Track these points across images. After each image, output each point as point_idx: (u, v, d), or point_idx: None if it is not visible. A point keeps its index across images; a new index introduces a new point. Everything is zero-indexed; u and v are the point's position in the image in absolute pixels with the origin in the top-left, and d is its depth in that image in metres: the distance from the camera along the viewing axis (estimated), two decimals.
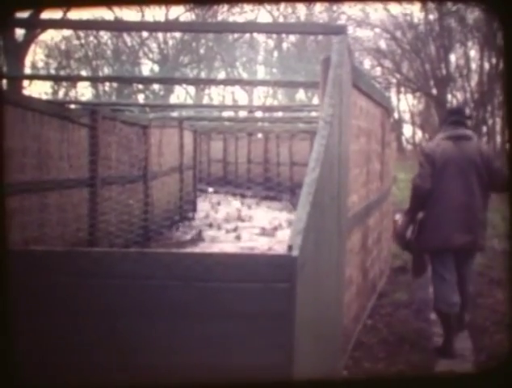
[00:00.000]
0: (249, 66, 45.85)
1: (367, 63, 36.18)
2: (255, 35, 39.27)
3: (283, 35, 40.92)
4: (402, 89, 37.08)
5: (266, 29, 11.32)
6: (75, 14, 28.54)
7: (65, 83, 38.95)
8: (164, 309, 3.57)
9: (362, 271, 7.52)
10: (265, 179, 24.82)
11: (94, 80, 37.18)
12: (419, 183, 6.75)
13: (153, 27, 12.81)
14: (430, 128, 34.04)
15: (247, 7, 38.69)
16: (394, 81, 34.66)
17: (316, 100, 30.91)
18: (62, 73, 38.32)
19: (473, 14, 28.60)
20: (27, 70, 32.83)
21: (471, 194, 6.69)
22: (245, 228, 16.24)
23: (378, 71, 34.97)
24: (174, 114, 20.25)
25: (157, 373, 3.53)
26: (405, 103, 39.87)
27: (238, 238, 14.71)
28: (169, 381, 3.49)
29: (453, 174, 6.69)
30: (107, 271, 3.62)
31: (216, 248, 13.20)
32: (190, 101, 42.19)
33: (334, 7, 38.88)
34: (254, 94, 46.04)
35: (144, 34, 38.45)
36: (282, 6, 40.46)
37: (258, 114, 22.60)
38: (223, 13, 37.85)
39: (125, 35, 38.50)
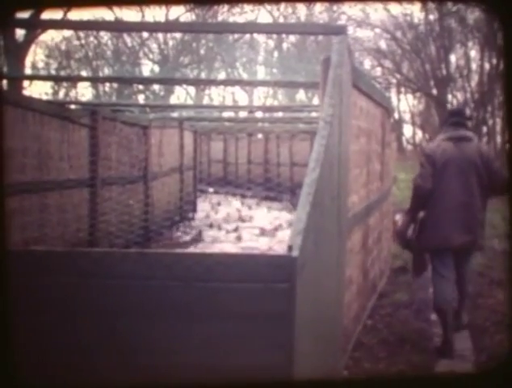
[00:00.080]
0: (249, 67, 45.85)
1: (367, 63, 36.20)
2: (255, 35, 39.27)
3: (284, 36, 40.93)
4: (402, 89, 37.09)
5: (267, 29, 11.32)
6: (75, 15, 28.56)
7: (65, 84, 38.97)
8: (164, 309, 3.57)
9: (362, 271, 7.52)
10: (265, 179, 24.81)
11: (95, 80, 37.18)
12: (420, 182, 6.83)
13: (154, 27, 12.81)
14: (430, 128, 34.04)
15: (247, 8, 38.73)
16: (394, 81, 34.66)
17: (316, 100, 30.92)
18: (62, 73, 38.34)
19: (473, 15, 28.60)
20: (28, 71, 32.85)
21: (470, 194, 6.77)
22: (246, 228, 16.23)
23: (378, 71, 34.97)
24: (175, 114, 20.23)
25: (157, 373, 3.53)
26: (406, 104, 39.90)
27: (239, 238, 14.71)
28: (169, 381, 3.49)
29: (453, 174, 6.77)
30: (108, 271, 3.62)
31: (216, 248, 13.20)
32: (190, 101, 42.18)
33: (334, 7, 38.91)
34: (254, 94, 46.08)
35: (145, 34, 38.47)
36: (282, 6, 40.50)
37: (259, 114, 22.60)
38: (223, 13, 37.89)
39: (125, 36, 38.50)
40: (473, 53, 32.82)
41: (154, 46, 41.75)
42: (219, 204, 22.38)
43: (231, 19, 37.54)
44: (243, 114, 20.70)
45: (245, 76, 44.13)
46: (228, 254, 4.35)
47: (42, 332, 3.60)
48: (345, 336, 6.15)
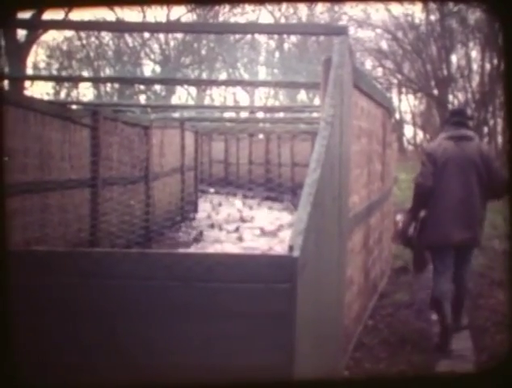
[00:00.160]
0: (250, 67, 45.84)
1: (368, 64, 36.16)
2: (256, 35, 39.26)
3: (285, 36, 40.91)
4: (403, 89, 37.08)
5: (268, 30, 11.34)
6: (77, 15, 28.57)
7: (66, 84, 38.98)
8: (165, 309, 3.57)
9: (363, 271, 7.52)
10: (266, 179, 24.82)
11: (96, 81, 37.19)
12: (421, 181, 6.94)
13: (155, 28, 12.80)
14: (431, 128, 34.03)
15: (248, 8, 38.71)
16: (395, 81, 34.67)
17: (317, 101, 30.90)
18: (64, 73, 38.34)
19: (474, 15, 28.62)
20: (29, 71, 32.89)
21: (470, 192, 6.88)
22: (247, 229, 16.23)
23: (379, 72, 34.97)
24: (176, 115, 20.22)
25: (157, 373, 3.53)
26: (407, 104, 39.88)
27: (240, 238, 14.70)
28: (169, 381, 3.49)
29: (453, 173, 6.88)
30: (108, 271, 3.62)
31: (217, 249, 13.19)
32: (191, 102, 42.18)
33: (336, 8, 38.90)
34: (256, 95, 46.09)
35: (146, 35, 38.43)
36: (283, 6, 40.47)
37: (260, 115, 22.57)
38: (224, 14, 37.88)
39: (127, 36, 38.48)
40: (474, 54, 32.85)
41: (155, 46, 41.75)
42: (220, 204, 22.38)
43: (232, 20, 37.57)
44: (244, 114, 20.65)
45: (246, 76, 44.11)
46: (228, 254, 4.35)
47: (43, 332, 3.60)
48: (346, 336, 6.15)
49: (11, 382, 2.65)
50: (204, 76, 41.99)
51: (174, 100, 40.65)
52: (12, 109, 8.56)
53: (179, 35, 38.56)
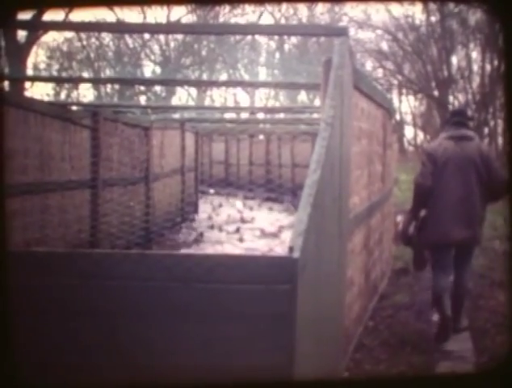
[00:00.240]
0: (250, 68, 45.83)
1: (368, 65, 36.13)
2: (257, 36, 39.25)
3: (285, 37, 40.92)
4: (404, 90, 37.05)
5: (268, 31, 11.34)
6: (77, 16, 28.59)
7: (66, 85, 38.97)
8: (165, 310, 3.57)
9: (363, 272, 7.52)
10: (266, 180, 24.83)
11: (96, 82, 37.13)
12: (420, 180, 7.03)
13: (155, 28, 12.80)
14: (431, 129, 34.01)
15: (249, 9, 38.71)
16: (396, 82, 34.64)
17: (317, 102, 30.90)
18: (64, 74, 38.34)
19: (475, 16, 28.59)
20: (29, 72, 32.88)
21: (470, 191, 6.96)
22: (247, 230, 16.23)
23: (380, 73, 34.94)
24: (176, 116, 20.22)
25: (157, 374, 3.53)
26: (407, 105, 39.85)
27: (240, 239, 14.71)
28: (170, 382, 3.49)
29: (453, 172, 6.96)
30: (108, 272, 3.62)
31: (217, 250, 13.19)
32: (191, 103, 42.17)
33: (336, 9, 38.92)
34: (256, 95, 46.06)
35: (146, 36, 38.42)
36: (283, 7, 40.46)
37: (260, 116, 22.57)
38: (224, 15, 37.88)
39: (127, 37, 38.46)
40: (475, 55, 32.81)
41: (156, 47, 41.75)
42: (220, 205, 22.37)
43: (232, 21, 37.56)
44: (245, 115, 20.62)
45: (246, 77, 44.09)
46: (229, 255, 4.35)
47: (43, 333, 3.60)
48: (346, 337, 6.15)
49: (11, 382, 2.65)
50: (205, 77, 41.97)
51: (175, 101, 40.65)
52: (12, 110, 8.56)
53: (179, 36, 38.55)
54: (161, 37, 39.25)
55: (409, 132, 40.49)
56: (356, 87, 6.61)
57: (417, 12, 32.33)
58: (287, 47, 44.98)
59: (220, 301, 3.55)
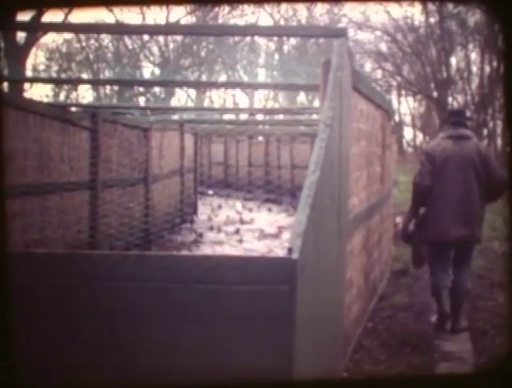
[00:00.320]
0: (249, 69, 45.82)
1: (367, 66, 36.15)
2: (256, 38, 39.26)
3: (284, 38, 40.93)
4: (403, 92, 37.05)
5: (267, 32, 11.36)
6: (76, 18, 28.58)
7: (66, 86, 38.94)
8: (164, 311, 3.58)
9: (362, 273, 7.53)
10: (266, 181, 24.82)
11: (95, 83, 37.14)
12: (419, 180, 7.16)
13: (154, 30, 12.82)
14: (430, 130, 34.00)
15: (248, 10, 38.71)
16: (395, 83, 34.64)
17: (317, 103, 30.91)
18: (63, 75, 38.30)
19: (474, 17, 28.61)
20: (29, 73, 32.86)
21: (469, 190, 7.05)
22: (246, 231, 16.23)
23: (379, 74, 34.95)
24: (175, 117, 20.23)
25: (157, 374, 3.54)
26: (406, 106, 39.83)
27: (240, 240, 14.71)
28: (170, 382, 3.50)
29: (452, 171, 7.05)
30: (108, 273, 3.62)
31: (216, 251, 13.19)
32: (191, 104, 42.16)
33: (335, 10, 38.93)
34: (255, 97, 46.04)
35: (145, 37, 38.41)
36: (283, 9, 40.46)
37: (259, 117, 22.58)
38: (224, 16, 37.88)
39: (126, 38, 38.44)
40: (474, 56, 32.83)
41: (155, 48, 41.72)
42: (219, 206, 22.37)
43: (231, 22, 37.57)
44: (244, 116, 20.62)
45: (245, 78, 44.09)
46: (228, 256, 4.36)
47: (42, 333, 3.60)
48: (345, 338, 6.15)
49: (11, 382, 2.65)
50: (204, 78, 41.95)
51: (174, 102, 40.64)
52: (12, 111, 8.56)
53: (179, 38, 38.53)
54: (161, 38, 39.25)
55: (408, 133, 40.50)
56: (355, 88, 6.62)
57: (417, 13, 32.27)
58: (286, 48, 44.98)
59: (219, 301, 3.55)
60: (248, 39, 40.49)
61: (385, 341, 7.06)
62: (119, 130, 12.71)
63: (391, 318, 7.98)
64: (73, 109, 13.24)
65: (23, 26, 8.20)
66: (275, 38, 40.02)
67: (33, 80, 31.38)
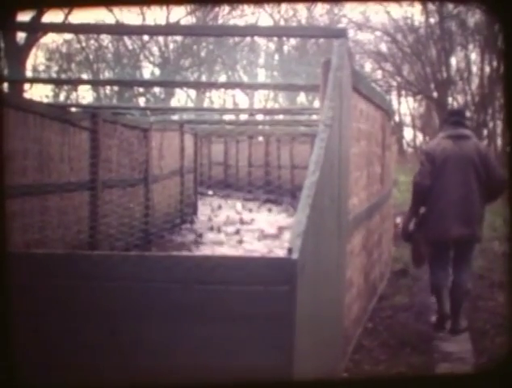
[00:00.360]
0: (249, 69, 45.82)
1: (367, 66, 36.16)
2: (256, 38, 39.27)
3: (284, 39, 40.93)
4: (403, 92, 37.03)
5: (267, 32, 11.36)
6: (76, 18, 28.58)
7: (66, 86, 38.95)
8: (164, 311, 3.58)
9: (362, 273, 7.53)
10: (266, 182, 24.82)
11: (95, 83, 37.17)
12: (419, 180, 7.20)
13: (154, 30, 12.83)
14: (430, 130, 34.00)
15: (248, 10, 38.73)
16: (395, 84, 34.63)
17: (317, 103, 30.90)
18: (63, 76, 38.29)
19: (474, 18, 28.60)
20: (29, 73, 32.85)
21: (469, 189, 7.08)
22: (246, 231, 16.23)
23: (379, 74, 34.94)
24: (175, 117, 20.23)
25: (157, 374, 3.54)
26: (406, 106, 39.82)
27: (239, 241, 14.71)
28: (170, 382, 3.50)
29: (452, 170, 7.09)
30: (108, 273, 3.62)
31: (216, 251, 13.19)
32: (190, 104, 42.16)
33: (335, 10, 38.95)
34: (255, 97, 46.04)
35: (145, 37, 38.41)
36: (283, 9, 40.46)
37: (259, 117, 22.61)
38: (224, 16, 37.89)
39: (126, 39, 38.44)
40: (474, 56, 32.82)
41: (155, 49, 41.73)
42: (219, 206, 22.37)
43: (231, 22, 37.57)
44: (244, 117, 20.62)
45: (245, 79, 44.10)
46: (228, 256, 4.36)
47: (42, 333, 3.60)
48: (345, 338, 6.15)
49: (11, 382, 2.65)
50: (204, 78, 41.95)
51: (174, 103, 40.65)
52: (12, 112, 8.57)
53: (179, 38, 38.55)
54: (161, 39, 39.26)
55: (408, 133, 40.48)
56: (355, 89, 6.62)
57: (416, 14, 32.27)
58: (286, 48, 44.99)
59: (219, 302, 3.55)
60: (248, 39, 40.51)
61: (385, 341, 7.06)
62: (119, 130, 12.71)
63: (391, 319, 7.99)
64: (73, 109, 13.25)
65: (23, 26, 8.19)
66: (275, 38, 40.03)
67: (33, 80, 31.41)
